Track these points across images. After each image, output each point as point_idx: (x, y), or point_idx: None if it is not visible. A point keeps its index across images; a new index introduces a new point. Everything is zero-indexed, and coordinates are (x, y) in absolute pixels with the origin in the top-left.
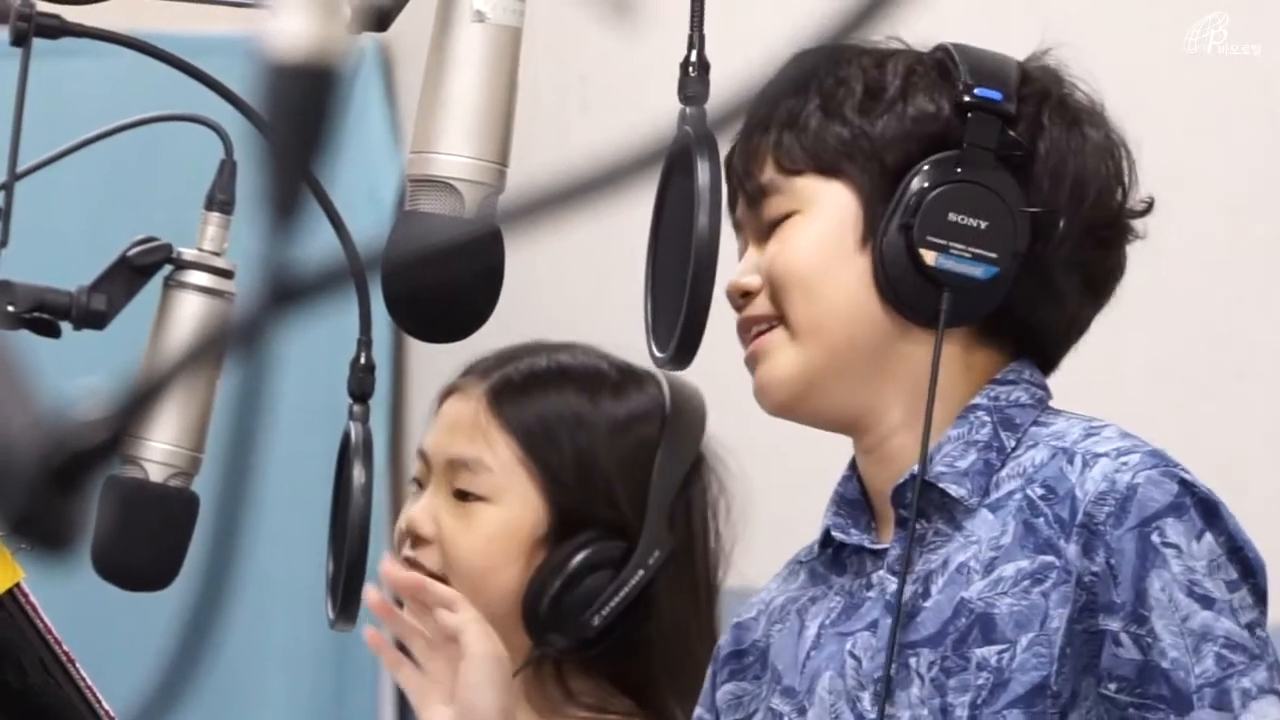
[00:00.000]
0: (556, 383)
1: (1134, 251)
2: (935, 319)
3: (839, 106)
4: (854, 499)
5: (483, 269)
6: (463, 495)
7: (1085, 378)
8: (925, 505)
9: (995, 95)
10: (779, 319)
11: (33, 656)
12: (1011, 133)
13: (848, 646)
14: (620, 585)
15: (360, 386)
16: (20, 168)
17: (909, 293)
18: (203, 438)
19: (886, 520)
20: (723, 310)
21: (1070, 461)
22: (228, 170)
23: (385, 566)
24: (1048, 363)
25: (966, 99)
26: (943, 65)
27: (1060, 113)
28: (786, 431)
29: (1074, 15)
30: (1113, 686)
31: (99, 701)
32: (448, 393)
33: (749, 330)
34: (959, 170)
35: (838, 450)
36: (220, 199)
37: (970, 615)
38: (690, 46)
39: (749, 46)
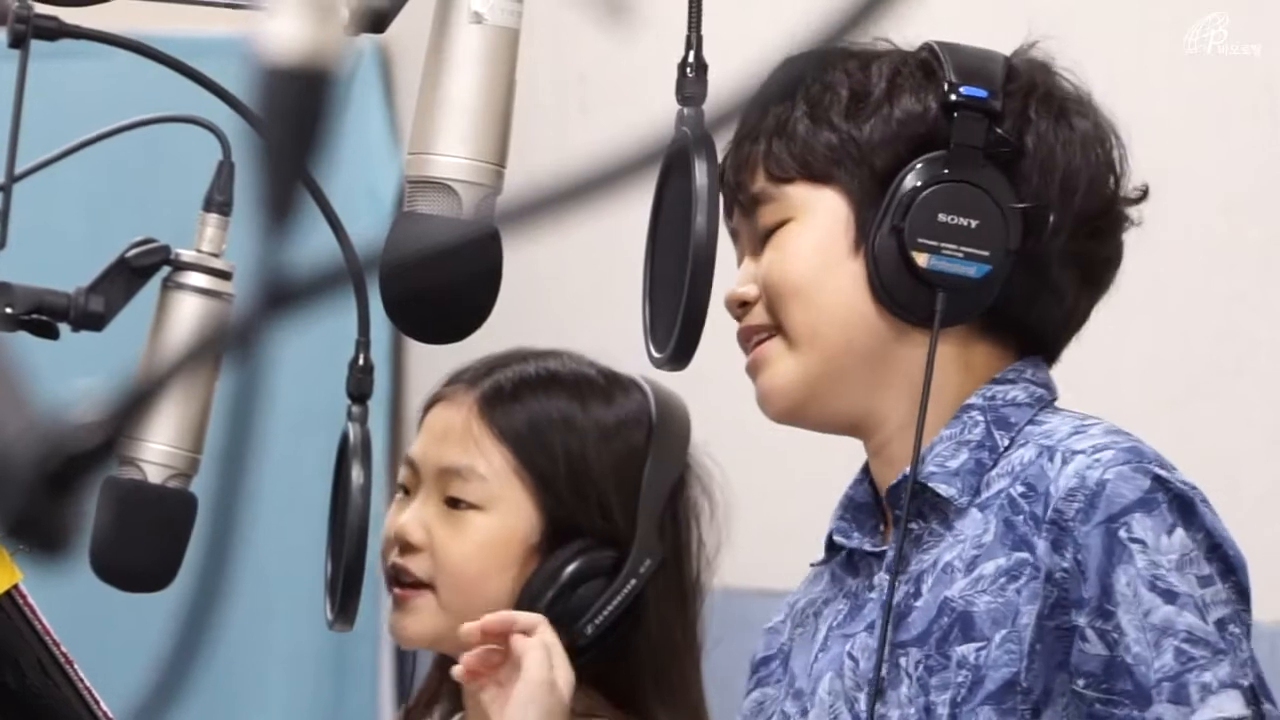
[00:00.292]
0: (546, 389)
1: (1132, 250)
2: (930, 320)
3: (825, 112)
4: (864, 501)
5: (481, 270)
6: (454, 503)
7: (1083, 376)
8: (921, 506)
9: (981, 93)
10: (777, 328)
11: (31, 658)
12: (998, 130)
13: (848, 648)
14: (613, 594)
15: (359, 387)
16: (19, 169)
17: (903, 295)
18: (201, 439)
19: (891, 521)
20: (715, 314)
21: (1051, 459)
22: (226, 172)
23: (465, 633)
24: (1049, 355)
25: (952, 98)
26: (928, 65)
27: (1047, 105)
28: (780, 435)
29: (1074, 15)
30: (1081, 682)
31: (97, 703)
32: (433, 401)
33: (749, 340)
34: (947, 171)
35: (833, 454)
36: (218, 200)
37: (952, 614)
38: (688, 47)
39: (746, 47)
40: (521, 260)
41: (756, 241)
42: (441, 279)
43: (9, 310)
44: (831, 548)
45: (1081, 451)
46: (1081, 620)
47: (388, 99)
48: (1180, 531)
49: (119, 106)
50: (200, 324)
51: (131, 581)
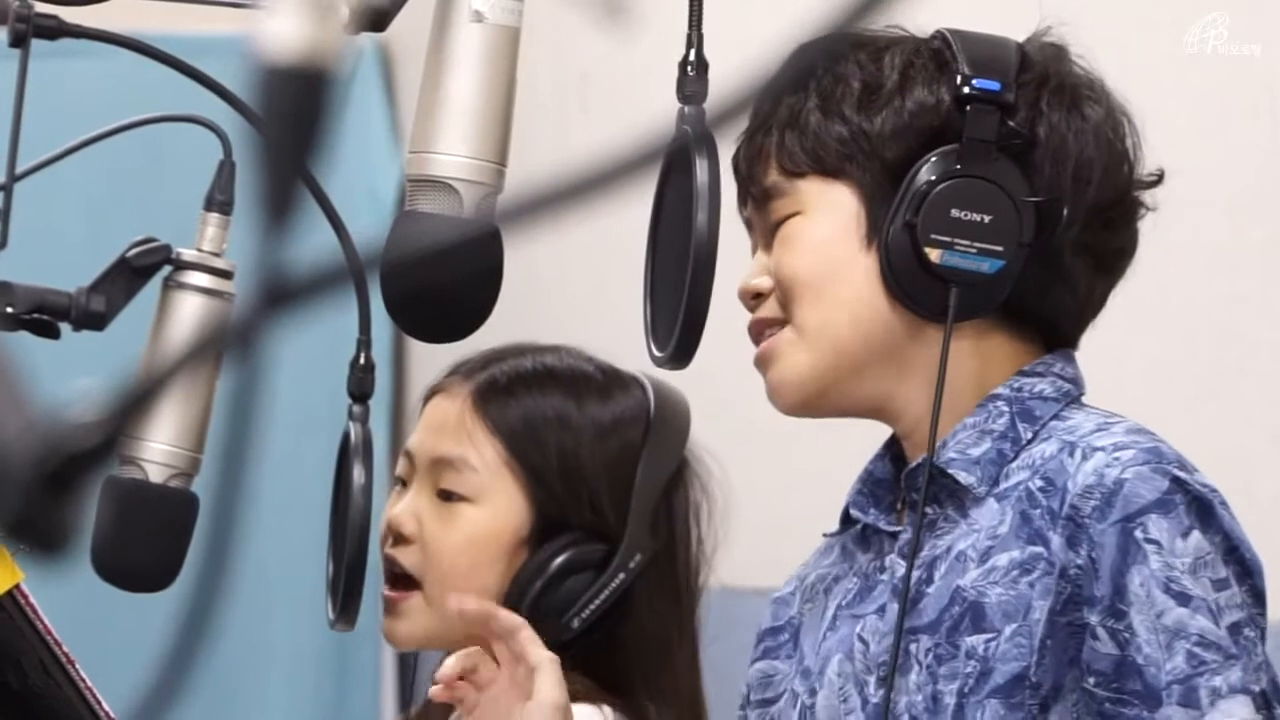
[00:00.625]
0: (542, 385)
1: (1136, 251)
2: (944, 314)
3: (837, 104)
4: (883, 478)
5: (482, 269)
6: (446, 495)
7: (1088, 377)
8: (937, 491)
9: (994, 86)
10: (788, 321)
11: (33, 658)
12: (1011, 122)
13: (858, 629)
14: (601, 588)
15: (360, 386)
16: (20, 168)
17: (917, 291)
18: (202, 438)
19: (907, 503)
20: (716, 312)
21: (1071, 454)
22: (226, 171)
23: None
24: (1066, 343)
25: (965, 91)
26: (940, 55)
27: (1059, 95)
28: (782, 434)
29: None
30: (1091, 680)
31: (99, 702)
32: (432, 393)
33: (759, 332)
34: (960, 166)
35: (834, 454)
36: (219, 199)
37: (964, 603)
38: (689, 46)
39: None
40: (522, 260)
41: (769, 233)
42: (442, 278)
43: (10, 310)
44: (846, 520)
45: (1102, 449)
46: (1093, 618)
47: (388, 98)
48: (1197, 534)
49: (119, 106)
50: (201, 323)
51: (132, 581)
